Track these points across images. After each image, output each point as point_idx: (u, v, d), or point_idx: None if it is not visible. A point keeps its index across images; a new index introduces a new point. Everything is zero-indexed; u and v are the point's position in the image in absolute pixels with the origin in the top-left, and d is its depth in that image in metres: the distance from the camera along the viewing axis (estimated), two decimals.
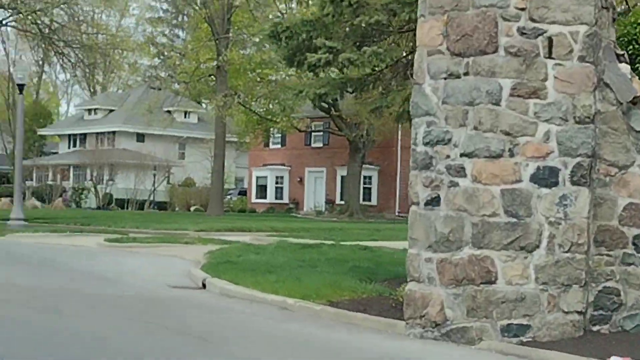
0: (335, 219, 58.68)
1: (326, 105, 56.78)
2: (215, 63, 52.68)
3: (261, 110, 58.07)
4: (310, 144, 72.64)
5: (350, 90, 21.23)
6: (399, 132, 60.91)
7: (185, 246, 27.61)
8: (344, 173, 67.59)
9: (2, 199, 74.74)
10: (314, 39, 19.26)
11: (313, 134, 71.86)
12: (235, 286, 16.67)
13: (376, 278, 16.94)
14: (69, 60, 45.51)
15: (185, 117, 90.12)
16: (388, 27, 19.60)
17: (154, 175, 77.77)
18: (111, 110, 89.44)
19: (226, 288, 16.70)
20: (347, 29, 19.87)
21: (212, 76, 54.45)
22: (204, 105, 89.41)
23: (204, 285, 17.67)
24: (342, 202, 66.71)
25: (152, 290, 17.22)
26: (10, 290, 16.51)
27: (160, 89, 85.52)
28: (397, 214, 64.33)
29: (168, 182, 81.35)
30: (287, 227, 38.06)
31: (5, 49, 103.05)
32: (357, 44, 20.04)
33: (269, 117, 59.44)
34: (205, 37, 55.59)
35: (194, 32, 56.82)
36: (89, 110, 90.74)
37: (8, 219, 34.61)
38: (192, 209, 73.81)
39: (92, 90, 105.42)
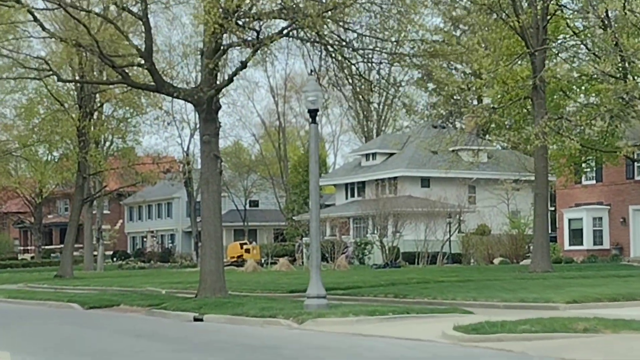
0: None
1: None
2: (531, 82, 42.03)
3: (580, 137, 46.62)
4: (633, 177, 60.57)
5: None
6: None
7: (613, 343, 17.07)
8: None
9: (279, 259, 66.84)
10: None
11: (636, 165, 59.82)
12: None
13: None
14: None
15: (473, 156, 79.68)
16: None
17: (449, 224, 67.69)
18: (391, 154, 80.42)
19: None
20: None
21: (528, 99, 43.79)
22: (494, 141, 78.99)
23: None
24: None
25: None
26: None
27: (444, 127, 75.97)
28: None
29: (459, 231, 71.13)
30: None
31: (274, 97, 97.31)
32: None
33: (595, 145, 48.08)
34: (511, 53, 45.12)
35: (494, 50, 46.41)
36: (367, 156, 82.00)
37: (304, 295, 25.15)
38: (495, 261, 63.02)
39: (366, 134, 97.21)
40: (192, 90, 30.45)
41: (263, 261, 72.58)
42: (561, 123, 40.74)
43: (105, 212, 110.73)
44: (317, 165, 24.19)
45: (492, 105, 44.05)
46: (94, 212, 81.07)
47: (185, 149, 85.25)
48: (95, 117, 58.96)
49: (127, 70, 30.16)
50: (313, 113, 23.95)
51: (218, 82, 29.88)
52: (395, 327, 20.87)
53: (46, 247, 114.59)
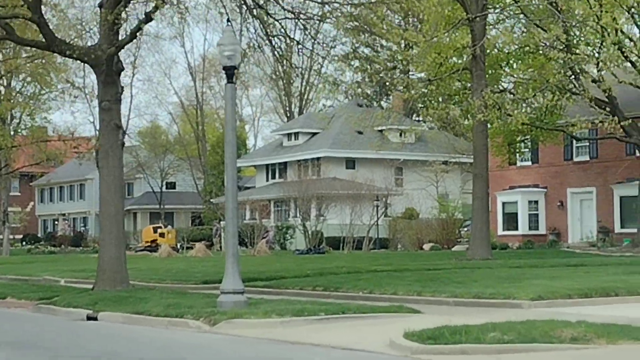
0: (630, 253, 43.35)
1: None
2: (470, 52, 38.25)
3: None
4: (572, 158, 57.45)
5: None
6: None
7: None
8: (625, 192, 52.29)
9: (195, 244, 62.53)
10: None
11: (575, 145, 56.71)
12: None
13: None
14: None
15: (401, 136, 76.18)
16: None
17: (376, 207, 63.93)
18: (314, 134, 76.47)
19: None
20: None
21: (466, 70, 40.00)
22: (425, 118, 75.50)
23: None
24: (624, 230, 51.53)
25: None
26: None
27: (369, 106, 72.30)
28: None
29: (386, 215, 67.47)
30: None
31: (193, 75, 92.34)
32: None
33: (536, 123, 44.62)
34: (449, 22, 41.32)
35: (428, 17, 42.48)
36: (289, 135, 77.91)
37: (218, 288, 20.97)
38: (425, 246, 59.43)
39: (288, 114, 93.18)
40: (89, 48, 26.12)
41: (179, 246, 68.17)
42: (503, 96, 37.04)
43: (15, 193, 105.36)
44: (234, 134, 20.05)
45: (427, 77, 40.14)
46: None
47: (98, 127, 79.81)
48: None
49: (11, 24, 25.58)
50: (230, 71, 19.76)
51: (120, 40, 25.54)
52: (330, 332, 16.87)
53: None
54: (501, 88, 38.80)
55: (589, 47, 41.00)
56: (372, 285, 24.56)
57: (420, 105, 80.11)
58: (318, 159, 72.67)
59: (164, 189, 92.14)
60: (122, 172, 25.11)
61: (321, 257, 53.18)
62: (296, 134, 76.83)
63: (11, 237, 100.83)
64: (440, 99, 52.72)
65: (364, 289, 24.05)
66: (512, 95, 37.18)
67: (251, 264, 42.69)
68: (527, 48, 40.83)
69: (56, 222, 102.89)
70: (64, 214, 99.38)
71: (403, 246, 63.40)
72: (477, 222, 40.77)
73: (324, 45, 50.19)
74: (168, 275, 32.54)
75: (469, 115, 39.89)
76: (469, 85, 42.13)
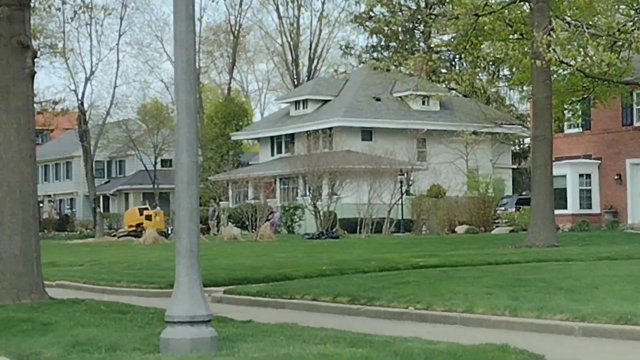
0: None
1: None
2: None
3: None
4: (632, 123, 48.32)
5: None
6: None
7: None
8: None
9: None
10: None
11: (635, 108, 47.60)
12: None
13: None
14: None
15: (423, 104, 67.05)
16: None
17: (401, 183, 54.73)
18: (325, 102, 67.31)
19: None
20: None
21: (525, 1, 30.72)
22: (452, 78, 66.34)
23: None
24: None
25: None
26: None
27: (388, 70, 63.08)
28: None
29: (407, 193, 58.29)
30: None
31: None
32: None
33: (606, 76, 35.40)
34: None
35: None
36: (296, 104, 68.70)
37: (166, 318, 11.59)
38: (459, 229, 50.19)
39: (295, 83, 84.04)
40: None
41: (169, 230, 59.09)
42: (581, 30, 27.72)
43: None
44: (190, 24, 10.71)
45: (474, 13, 30.77)
46: None
47: (80, 95, 70.75)
48: None
49: None
50: None
51: None
52: None
53: None
54: (577, 21, 29.37)
55: None
56: (425, 294, 15.45)
57: (443, 70, 71.32)
58: (330, 129, 63.49)
59: (158, 166, 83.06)
60: (32, 119, 15.97)
61: (335, 242, 44.41)
62: (305, 102, 67.64)
63: None
64: (471, 59, 43.60)
65: (415, 301, 14.97)
66: (590, 30, 27.86)
67: (248, 252, 33.77)
68: None
69: (41, 205, 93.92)
70: (49, 195, 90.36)
71: (429, 229, 54.36)
72: (538, 198, 31.54)
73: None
74: (129, 273, 23.46)
75: (528, 59, 30.47)
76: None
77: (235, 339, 11.15)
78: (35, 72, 15.92)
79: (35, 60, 16.04)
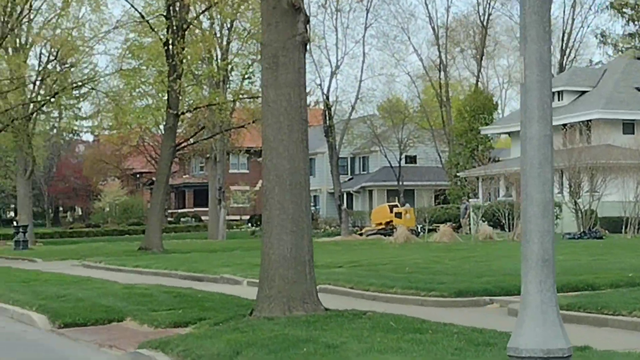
0: None
1: None
2: None
3: None
4: None
5: None
6: None
7: None
8: None
9: (439, 226, 50.77)
10: None
11: None
12: None
13: None
14: None
15: None
16: None
17: None
18: (582, 93, 63.07)
19: None
20: None
21: None
22: None
23: None
24: None
25: None
26: None
27: None
28: None
29: None
30: None
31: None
32: None
33: None
34: None
35: None
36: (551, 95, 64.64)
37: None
38: None
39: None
40: None
41: (419, 228, 56.35)
42: None
43: (243, 171, 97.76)
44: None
45: None
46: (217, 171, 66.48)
47: (326, 90, 69.24)
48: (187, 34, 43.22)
49: None
50: None
51: None
52: None
53: (178, 210, 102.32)
54: None
55: None
56: None
57: None
58: (588, 122, 59.14)
59: (402, 163, 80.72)
60: (303, 95, 13.47)
61: (601, 243, 40.56)
62: (560, 93, 63.50)
63: (237, 217, 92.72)
64: None
65: None
66: None
67: (516, 253, 30.57)
68: None
69: None
70: None
71: None
72: None
73: None
74: (398, 277, 20.81)
75: None
76: None
77: None
78: (308, 40, 13.46)
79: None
